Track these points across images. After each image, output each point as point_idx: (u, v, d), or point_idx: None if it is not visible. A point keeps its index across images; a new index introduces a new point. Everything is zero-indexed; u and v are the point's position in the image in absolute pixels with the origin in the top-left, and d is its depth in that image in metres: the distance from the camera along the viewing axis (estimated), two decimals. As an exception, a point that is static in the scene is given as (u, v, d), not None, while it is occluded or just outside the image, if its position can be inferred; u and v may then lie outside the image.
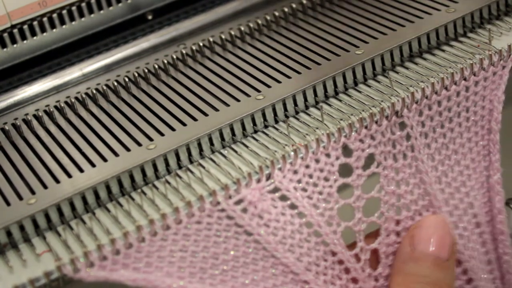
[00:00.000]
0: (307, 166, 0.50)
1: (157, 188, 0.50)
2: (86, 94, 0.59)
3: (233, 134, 0.52)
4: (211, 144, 0.52)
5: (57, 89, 0.61)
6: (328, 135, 0.50)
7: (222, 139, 0.52)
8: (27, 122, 0.57)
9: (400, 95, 0.53)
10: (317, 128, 0.52)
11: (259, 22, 0.63)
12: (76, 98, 0.59)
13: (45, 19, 0.62)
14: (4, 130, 0.56)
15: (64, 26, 0.63)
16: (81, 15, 0.64)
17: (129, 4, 0.65)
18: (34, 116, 0.58)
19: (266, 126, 0.54)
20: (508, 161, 0.58)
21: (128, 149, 0.52)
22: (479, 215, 0.57)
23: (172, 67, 0.61)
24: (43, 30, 0.63)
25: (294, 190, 0.50)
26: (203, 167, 0.51)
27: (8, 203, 0.49)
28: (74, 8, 0.63)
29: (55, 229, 0.48)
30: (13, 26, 0.61)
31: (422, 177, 0.54)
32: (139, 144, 0.52)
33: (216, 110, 0.54)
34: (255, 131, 0.53)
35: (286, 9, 0.64)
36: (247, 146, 0.52)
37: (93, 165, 0.51)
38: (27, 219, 0.48)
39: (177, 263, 0.48)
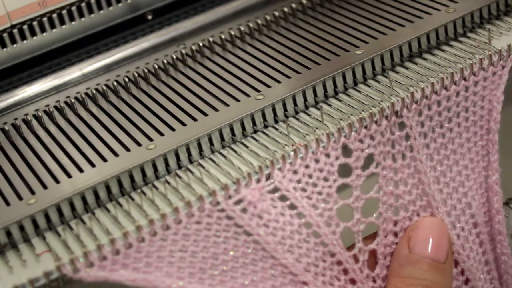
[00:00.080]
0: (307, 166, 0.50)
1: (156, 188, 0.50)
2: (86, 94, 0.59)
3: (233, 134, 0.53)
4: (211, 144, 0.52)
5: (57, 89, 0.61)
6: (328, 135, 0.50)
7: (222, 139, 0.52)
8: (27, 122, 0.57)
9: (399, 95, 0.53)
10: (316, 128, 0.52)
11: (259, 22, 0.63)
12: (76, 98, 0.59)
13: (45, 19, 0.63)
14: (4, 130, 0.56)
15: (64, 26, 0.63)
16: (81, 15, 0.64)
17: (129, 4, 0.66)
18: (34, 116, 0.58)
19: (265, 126, 0.54)
20: (507, 161, 0.58)
21: (128, 149, 0.52)
22: (477, 215, 0.57)
23: (172, 67, 0.61)
24: (43, 30, 0.63)
25: (294, 190, 0.50)
26: (203, 167, 0.51)
27: (8, 203, 0.49)
28: (74, 8, 0.63)
29: (54, 229, 0.48)
30: (13, 26, 0.61)
31: (421, 177, 0.54)
32: (139, 144, 0.52)
33: (216, 110, 0.54)
34: (255, 131, 0.53)
35: (286, 9, 0.64)
36: (246, 146, 0.52)
37: (93, 165, 0.51)
38: (27, 219, 0.48)
39: (177, 263, 0.48)
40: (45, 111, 0.58)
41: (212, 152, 0.52)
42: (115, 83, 0.59)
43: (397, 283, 0.52)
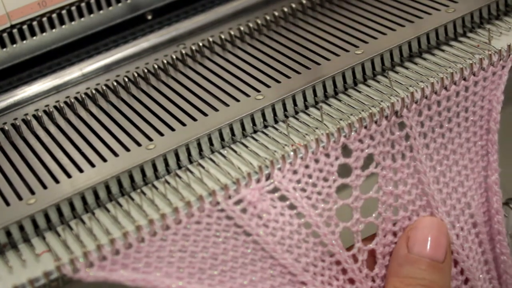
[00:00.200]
0: (307, 166, 0.50)
1: (156, 188, 0.50)
2: (86, 94, 0.59)
3: (233, 134, 0.53)
4: (211, 144, 0.52)
5: (57, 89, 0.61)
6: (328, 135, 0.50)
7: (222, 139, 0.52)
8: (26, 122, 0.57)
9: (399, 95, 0.53)
10: (316, 128, 0.52)
11: (259, 22, 0.63)
12: (76, 98, 0.59)
13: (44, 19, 0.63)
14: (4, 130, 0.56)
15: (63, 26, 0.63)
16: (81, 15, 0.64)
17: (129, 4, 0.66)
18: (34, 116, 0.58)
19: (265, 126, 0.54)
20: (506, 161, 0.58)
21: (127, 149, 0.52)
22: (477, 215, 0.57)
23: (172, 67, 0.61)
24: (42, 30, 0.63)
25: (294, 190, 0.50)
26: (203, 167, 0.51)
27: (7, 203, 0.49)
28: (73, 8, 0.63)
29: (54, 229, 0.48)
30: (12, 26, 0.61)
31: (420, 177, 0.54)
32: (139, 144, 0.52)
33: (216, 110, 0.54)
34: (255, 131, 0.53)
35: (285, 9, 0.64)
36: (246, 146, 0.52)
37: (92, 165, 0.51)
38: (27, 219, 0.48)
39: (176, 263, 0.48)
40: (45, 111, 0.58)
41: (212, 152, 0.52)
42: (115, 83, 0.59)
43: (396, 282, 0.52)
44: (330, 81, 0.55)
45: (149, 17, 0.67)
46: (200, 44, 0.62)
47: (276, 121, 0.54)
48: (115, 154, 0.52)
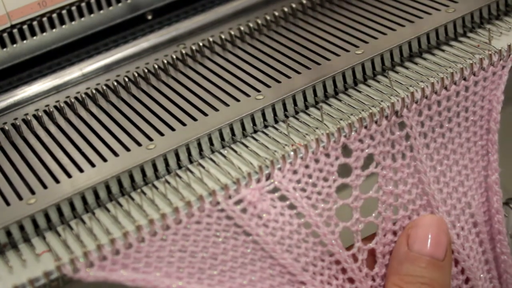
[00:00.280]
0: (307, 166, 0.50)
1: (156, 188, 0.50)
2: (86, 94, 0.59)
3: (233, 134, 0.53)
4: (211, 144, 0.52)
5: (57, 89, 0.61)
6: (328, 135, 0.50)
7: (222, 139, 0.52)
8: (26, 122, 0.57)
9: (399, 95, 0.53)
10: (316, 128, 0.52)
11: (259, 22, 0.63)
12: (76, 98, 0.59)
13: (44, 19, 0.63)
14: (4, 130, 0.56)
15: (63, 26, 0.63)
16: (81, 15, 0.64)
17: (129, 4, 0.66)
18: (34, 116, 0.58)
19: (265, 126, 0.54)
20: (507, 161, 0.58)
21: (128, 149, 0.52)
22: (477, 214, 0.57)
23: (172, 67, 0.61)
24: (42, 30, 0.63)
25: (294, 190, 0.50)
26: (203, 167, 0.51)
27: (8, 203, 0.49)
28: (73, 8, 0.63)
29: (54, 229, 0.48)
30: (12, 26, 0.61)
31: (421, 177, 0.54)
32: (139, 144, 0.52)
33: (216, 110, 0.54)
34: (255, 131, 0.53)
35: (286, 9, 0.64)
36: (246, 146, 0.52)
37: (92, 165, 0.51)
38: (27, 219, 0.48)
39: (176, 263, 0.48)
40: (45, 111, 0.58)
41: (212, 152, 0.52)
42: (115, 83, 0.59)
43: (396, 280, 0.52)
44: (330, 81, 0.55)
45: (149, 17, 0.67)
46: (200, 44, 0.62)
47: (276, 121, 0.54)
48: (115, 154, 0.52)
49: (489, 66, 0.55)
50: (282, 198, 0.50)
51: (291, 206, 0.50)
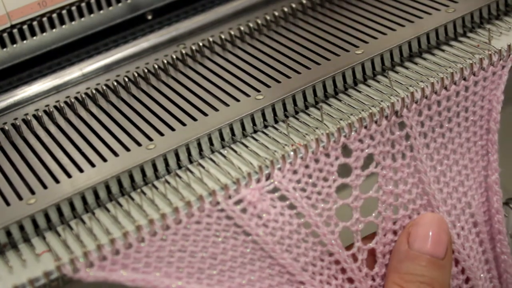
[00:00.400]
0: (307, 166, 0.50)
1: (156, 188, 0.50)
2: (86, 94, 0.59)
3: (233, 134, 0.53)
4: (211, 144, 0.52)
5: (57, 89, 0.61)
6: (328, 135, 0.50)
7: (222, 139, 0.52)
8: (26, 122, 0.57)
9: (399, 95, 0.53)
10: (316, 128, 0.52)
11: (259, 22, 0.63)
12: (76, 98, 0.59)
13: (44, 19, 0.63)
14: (4, 130, 0.56)
15: (63, 26, 0.63)
16: (81, 15, 0.64)
17: (129, 4, 0.66)
18: (34, 116, 0.58)
19: (265, 126, 0.54)
20: (506, 161, 0.58)
21: (127, 149, 0.52)
22: (477, 214, 0.57)
23: (172, 67, 0.61)
24: (42, 30, 0.63)
25: (293, 190, 0.50)
26: (203, 167, 0.51)
27: (7, 203, 0.49)
28: (73, 8, 0.63)
29: (54, 229, 0.48)
30: (12, 26, 0.61)
31: (421, 176, 0.54)
32: (139, 144, 0.52)
33: (216, 110, 0.54)
34: (255, 131, 0.53)
35: (286, 9, 0.64)
36: (246, 146, 0.52)
37: (92, 165, 0.51)
38: (27, 219, 0.48)
39: (176, 263, 0.48)
40: (45, 111, 0.58)
41: (212, 152, 0.52)
42: (115, 83, 0.59)
43: (396, 279, 0.52)
44: (330, 81, 0.55)
45: (149, 17, 0.67)
46: (200, 44, 0.62)
47: (276, 121, 0.54)
48: (115, 154, 0.52)
49: (489, 66, 0.55)
50: (282, 198, 0.50)
51: (291, 206, 0.50)
